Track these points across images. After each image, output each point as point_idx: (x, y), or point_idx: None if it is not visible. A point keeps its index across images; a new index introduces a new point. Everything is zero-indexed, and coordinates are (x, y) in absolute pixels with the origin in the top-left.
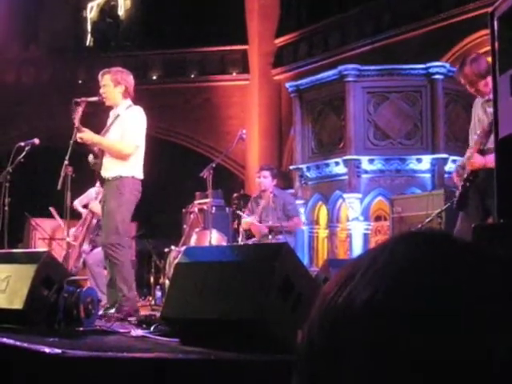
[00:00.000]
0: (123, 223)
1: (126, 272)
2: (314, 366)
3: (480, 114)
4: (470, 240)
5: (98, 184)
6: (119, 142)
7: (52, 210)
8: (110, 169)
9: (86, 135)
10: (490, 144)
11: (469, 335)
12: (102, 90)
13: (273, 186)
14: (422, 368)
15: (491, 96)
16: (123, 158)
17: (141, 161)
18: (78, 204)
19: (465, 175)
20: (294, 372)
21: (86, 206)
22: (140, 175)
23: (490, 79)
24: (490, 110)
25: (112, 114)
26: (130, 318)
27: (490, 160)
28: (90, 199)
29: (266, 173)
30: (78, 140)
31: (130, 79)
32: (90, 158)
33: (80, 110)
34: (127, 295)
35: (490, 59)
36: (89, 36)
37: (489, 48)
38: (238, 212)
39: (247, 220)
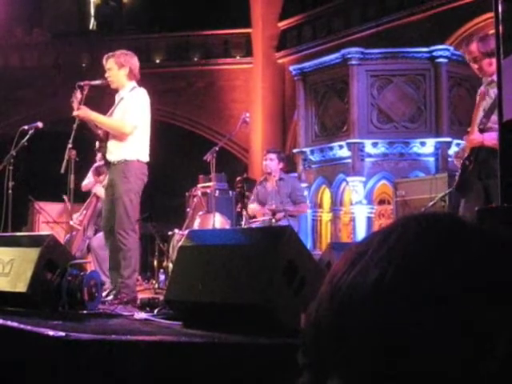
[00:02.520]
0: (132, 208)
1: (131, 259)
2: (320, 345)
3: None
4: (479, 223)
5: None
6: (118, 120)
7: (66, 198)
8: (114, 152)
9: (83, 112)
10: (491, 123)
11: (476, 321)
12: (107, 74)
13: (279, 170)
14: (429, 352)
15: (494, 77)
16: (122, 138)
17: (146, 143)
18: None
19: (465, 155)
20: (300, 351)
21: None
22: (145, 158)
23: (495, 60)
24: (493, 90)
25: (117, 96)
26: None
27: (488, 137)
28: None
29: (273, 155)
30: (75, 116)
31: (134, 61)
32: (97, 143)
33: (78, 93)
34: (126, 282)
35: None
36: (92, 20)
37: (493, 32)
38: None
39: (252, 207)
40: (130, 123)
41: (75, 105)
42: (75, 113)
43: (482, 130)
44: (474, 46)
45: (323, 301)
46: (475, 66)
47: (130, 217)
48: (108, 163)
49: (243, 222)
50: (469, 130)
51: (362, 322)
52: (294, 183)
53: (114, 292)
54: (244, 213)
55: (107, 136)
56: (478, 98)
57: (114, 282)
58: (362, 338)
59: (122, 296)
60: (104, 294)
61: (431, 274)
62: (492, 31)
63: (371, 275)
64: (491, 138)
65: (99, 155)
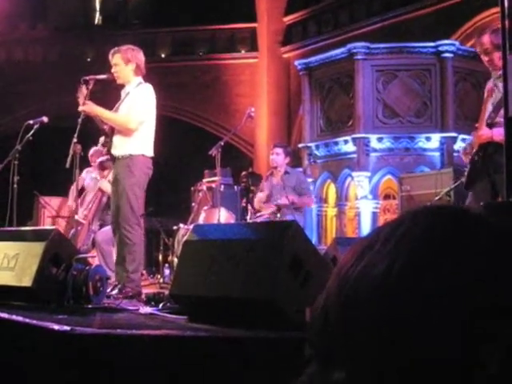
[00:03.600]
0: (137, 202)
1: (136, 253)
2: (327, 337)
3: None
4: (490, 218)
5: (94, 165)
6: (123, 115)
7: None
8: (119, 147)
9: (88, 107)
10: (499, 118)
11: (482, 314)
12: (113, 69)
13: (285, 165)
14: (434, 346)
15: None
16: (128, 133)
17: (151, 138)
18: (71, 198)
19: (473, 151)
20: (307, 343)
21: (82, 190)
22: (150, 153)
23: None
24: (502, 84)
25: (123, 92)
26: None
27: (496, 133)
28: (86, 183)
29: (279, 150)
30: (81, 112)
31: (140, 56)
32: (102, 138)
33: (84, 88)
34: (131, 277)
35: None
36: (97, 14)
37: (499, 27)
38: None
39: (257, 199)
40: (135, 119)
41: (81, 100)
42: (80, 108)
43: (490, 125)
44: (486, 38)
45: (331, 293)
46: (486, 59)
47: (134, 211)
48: (113, 158)
49: (248, 217)
50: (477, 125)
51: (369, 314)
52: (298, 176)
53: (119, 286)
54: (249, 207)
55: (112, 131)
56: (485, 94)
57: (119, 276)
58: (368, 330)
59: (126, 290)
60: (109, 288)
61: (439, 267)
62: None
63: (378, 268)
64: (500, 134)
65: (92, 150)
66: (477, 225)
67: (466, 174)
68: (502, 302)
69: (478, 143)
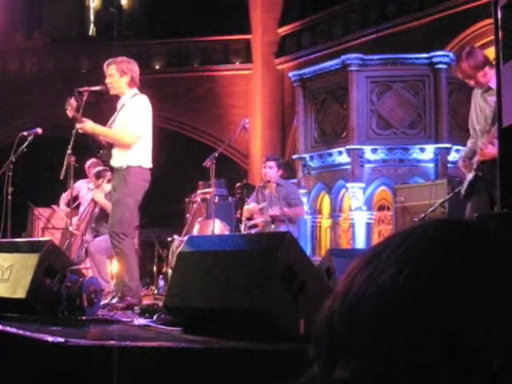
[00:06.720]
0: (129, 212)
1: (129, 262)
2: (332, 337)
3: (481, 104)
4: (502, 232)
5: (90, 176)
6: (120, 131)
7: (55, 207)
8: (117, 159)
9: (87, 126)
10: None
11: (489, 321)
12: (107, 80)
13: (277, 177)
14: (435, 351)
15: (491, 84)
16: (126, 147)
17: (148, 150)
18: (62, 203)
19: (475, 165)
20: (312, 344)
21: (76, 198)
22: (148, 164)
23: (487, 69)
24: (491, 98)
25: (119, 103)
26: (132, 308)
27: None
28: (81, 194)
29: (272, 163)
30: (79, 131)
31: (135, 68)
32: (101, 151)
33: (73, 100)
34: (129, 285)
35: (491, 49)
36: (91, 25)
37: (493, 37)
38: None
39: (249, 207)
40: (130, 133)
41: (70, 112)
42: (78, 126)
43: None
44: (464, 65)
45: (338, 295)
46: (472, 82)
47: (123, 221)
48: (113, 170)
49: (242, 228)
50: (481, 140)
51: (374, 317)
52: (290, 187)
53: (118, 295)
54: (243, 219)
55: (111, 143)
56: (477, 105)
57: (117, 286)
58: (373, 333)
59: (126, 299)
60: (108, 299)
61: (444, 276)
62: (486, 40)
63: (386, 274)
64: None
65: (89, 162)
66: (482, 237)
67: (465, 184)
68: (503, 305)
69: (482, 160)
